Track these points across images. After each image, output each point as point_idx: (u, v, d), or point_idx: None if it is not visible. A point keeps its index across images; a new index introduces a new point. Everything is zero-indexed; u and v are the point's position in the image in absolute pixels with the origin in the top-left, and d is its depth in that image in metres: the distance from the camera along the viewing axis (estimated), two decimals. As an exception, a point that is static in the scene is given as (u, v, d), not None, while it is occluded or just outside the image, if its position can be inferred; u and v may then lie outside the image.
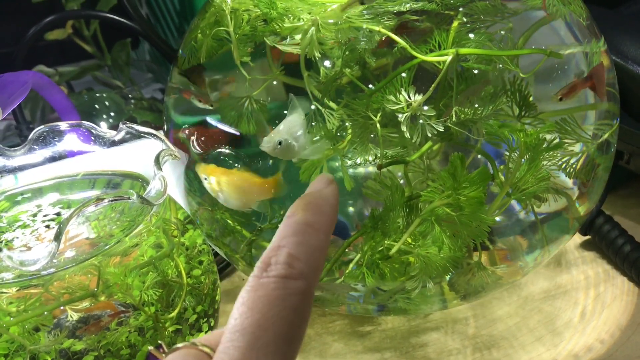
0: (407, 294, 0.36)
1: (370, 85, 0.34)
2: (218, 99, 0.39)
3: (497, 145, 0.35)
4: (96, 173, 0.39)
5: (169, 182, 0.31)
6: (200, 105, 0.38)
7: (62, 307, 0.30)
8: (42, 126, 0.37)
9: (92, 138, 0.38)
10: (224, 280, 0.45)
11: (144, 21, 0.48)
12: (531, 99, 0.34)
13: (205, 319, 0.34)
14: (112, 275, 0.30)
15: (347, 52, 0.34)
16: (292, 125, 0.35)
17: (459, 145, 0.35)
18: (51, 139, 0.38)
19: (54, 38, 0.56)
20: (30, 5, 0.56)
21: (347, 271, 0.36)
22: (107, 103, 0.54)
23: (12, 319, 0.30)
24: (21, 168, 0.37)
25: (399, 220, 0.35)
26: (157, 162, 0.31)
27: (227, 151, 0.37)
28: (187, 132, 0.38)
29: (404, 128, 0.32)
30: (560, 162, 0.34)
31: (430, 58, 0.32)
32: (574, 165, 0.34)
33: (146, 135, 0.35)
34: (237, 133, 0.37)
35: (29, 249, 0.32)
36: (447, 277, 0.37)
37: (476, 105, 0.33)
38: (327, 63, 0.34)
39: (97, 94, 0.55)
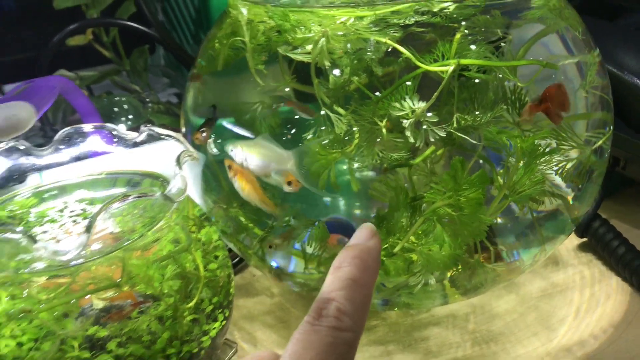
0: (410, 289, 0.38)
1: (377, 93, 0.36)
2: (233, 104, 0.41)
3: (497, 151, 0.37)
4: (117, 172, 0.41)
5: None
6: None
7: (87, 297, 0.33)
8: (68, 128, 0.40)
9: (114, 139, 0.40)
10: (237, 275, 0.48)
11: (162, 28, 0.50)
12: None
13: (220, 310, 0.36)
14: (134, 267, 0.33)
15: (355, 61, 0.36)
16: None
17: (462, 150, 0.37)
18: (76, 140, 0.40)
19: (75, 44, 0.58)
20: (53, 12, 0.59)
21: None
22: (125, 106, 0.56)
23: (42, 306, 0.32)
24: (47, 167, 0.39)
25: (403, 220, 0.37)
26: (178, 162, 0.33)
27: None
28: (204, 134, 0.41)
29: (408, 133, 0.34)
30: (555, 167, 0.36)
31: (433, 68, 0.34)
32: (568, 170, 0.36)
33: (166, 137, 0.37)
34: (252, 135, 0.39)
35: (58, 241, 0.34)
36: (448, 275, 0.39)
37: (477, 113, 0.35)
38: (336, 71, 0.36)
39: (116, 98, 0.58)
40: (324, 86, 0.37)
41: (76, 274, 0.32)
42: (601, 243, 0.45)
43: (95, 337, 0.32)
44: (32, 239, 0.29)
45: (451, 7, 0.36)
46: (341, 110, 0.36)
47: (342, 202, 0.40)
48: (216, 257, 0.37)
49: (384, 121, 0.35)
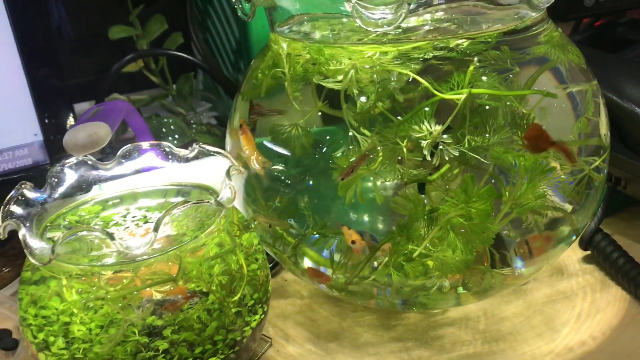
0: (427, 291, 0.43)
1: (399, 117, 0.41)
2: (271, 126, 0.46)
3: (505, 169, 0.42)
4: (169, 184, 0.46)
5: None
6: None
7: (147, 289, 0.38)
8: (129, 145, 0.45)
9: (168, 156, 0.46)
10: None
11: (210, 57, 0.56)
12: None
13: (260, 305, 0.41)
14: (189, 264, 0.38)
15: (379, 89, 0.42)
16: None
17: (475, 169, 0.42)
18: (134, 155, 0.46)
19: (127, 70, 0.65)
20: (108, 42, 0.65)
21: (377, 271, 0.43)
22: (172, 127, 0.63)
23: (109, 296, 0.38)
24: (110, 178, 0.45)
25: (421, 229, 0.42)
26: (228, 174, 0.39)
27: (279, 167, 0.44)
28: (247, 152, 0.46)
29: (425, 152, 0.39)
30: (556, 183, 0.41)
31: (448, 96, 0.40)
32: (567, 187, 0.41)
33: (215, 154, 0.43)
34: (288, 153, 0.44)
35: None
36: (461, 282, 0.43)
37: (487, 135, 0.40)
38: (362, 98, 0.42)
39: (164, 119, 0.64)
40: (352, 111, 0.42)
41: (138, 269, 0.38)
42: (603, 255, 0.50)
43: (152, 326, 0.37)
44: (110, 236, 0.34)
45: (465, 43, 0.42)
46: (367, 132, 0.41)
47: (365, 215, 0.45)
48: (256, 259, 0.43)
49: (405, 142, 0.40)
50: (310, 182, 0.45)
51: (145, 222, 0.42)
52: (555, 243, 0.43)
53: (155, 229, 0.34)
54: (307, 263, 0.46)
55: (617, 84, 0.53)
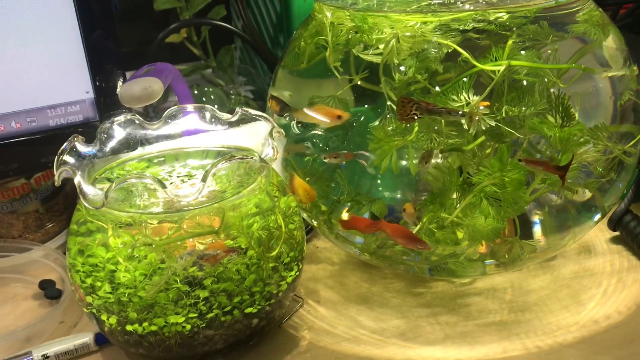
0: (457, 258, 0.44)
1: (437, 88, 0.42)
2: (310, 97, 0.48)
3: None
4: (210, 147, 0.48)
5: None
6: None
7: (190, 240, 0.40)
8: (174, 106, 0.47)
9: (212, 119, 0.47)
10: (303, 246, 0.54)
11: (253, 29, 0.58)
12: (572, 110, 0.42)
13: (295, 262, 0.43)
14: (230, 218, 0.40)
15: (419, 61, 0.43)
16: None
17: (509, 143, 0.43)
18: (179, 117, 0.48)
19: (170, 41, 0.67)
20: (152, 13, 0.67)
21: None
22: (212, 97, 0.64)
23: (153, 246, 0.39)
24: (157, 138, 0.47)
25: (454, 197, 0.43)
26: (270, 135, 0.40)
27: (318, 133, 0.46)
28: (287, 118, 0.48)
29: (463, 122, 0.41)
30: (589, 160, 0.42)
31: (487, 67, 0.41)
32: (599, 163, 0.42)
33: (258, 118, 0.44)
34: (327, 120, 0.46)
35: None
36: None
37: (523, 108, 0.41)
38: (402, 68, 0.43)
39: (205, 89, 0.66)
40: (390, 83, 0.43)
41: (182, 220, 0.39)
42: (632, 236, 0.50)
43: (193, 276, 0.39)
44: (162, 183, 0.36)
45: (504, 16, 0.43)
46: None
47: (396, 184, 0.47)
48: (294, 221, 0.44)
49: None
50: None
51: (190, 179, 0.44)
52: (585, 218, 0.44)
53: (204, 179, 0.36)
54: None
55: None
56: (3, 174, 0.50)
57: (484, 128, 0.40)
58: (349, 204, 0.47)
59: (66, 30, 0.46)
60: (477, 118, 0.41)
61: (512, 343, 0.42)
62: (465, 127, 0.41)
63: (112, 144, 0.45)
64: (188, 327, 0.39)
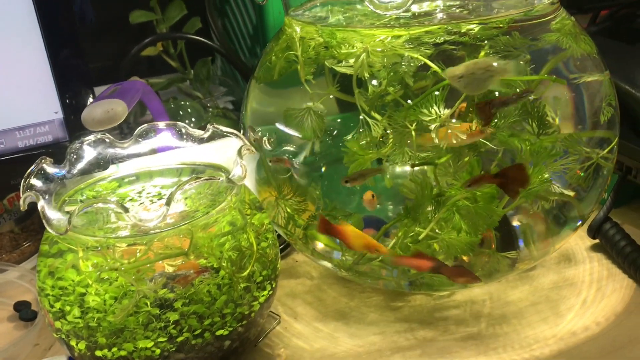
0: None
1: (409, 101, 0.42)
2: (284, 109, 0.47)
3: (511, 154, 0.42)
4: (184, 164, 0.48)
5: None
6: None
7: (160, 262, 0.39)
8: (145, 125, 0.47)
9: (183, 136, 0.47)
10: (281, 260, 0.54)
11: (226, 42, 0.57)
12: (548, 118, 0.42)
13: (268, 281, 0.42)
14: (200, 239, 0.39)
15: (391, 73, 0.42)
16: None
17: (484, 155, 0.43)
18: (151, 135, 0.47)
19: (147, 54, 0.66)
20: (128, 26, 0.67)
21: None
22: (189, 110, 0.64)
23: (122, 268, 0.39)
24: (127, 157, 0.46)
25: (428, 212, 0.43)
26: (239, 154, 0.40)
27: (291, 149, 0.45)
28: (259, 134, 0.47)
29: (433, 135, 0.40)
30: (563, 169, 0.42)
31: (457, 81, 0.40)
32: (573, 173, 0.42)
33: (229, 135, 0.44)
34: (299, 136, 0.45)
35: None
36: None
37: (495, 120, 0.41)
38: (374, 82, 0.42)
39: (181, 103, 0.65)
40: (364, 95, 0.43)
41: (151, 242, 0.39)
42: (610, 243, 0.50)
43: (164, 298, 0.39)
44: (125, 208, 0.35)
45: (476, 28, 0.42)
46: (377, 116, 0.42)
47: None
48: (267, 238, 0.44)
49: (414, 125, 0.41)
50: (322, 167, 0.46)
51: (160, 199, 0.44)
52: (562, 227, 0.44)
53: (167, 203, 0.36)
54: (319, 245, 0.47)
55: (631, 74, 0.53)
56: (-27, 196, 0.50)
57: (455, 141, 0.40)
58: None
59: (31, 51, 0.45)
60: (449, 132, 0.40)
61: (489, 358, 0.42)
62: (436, 141, 0.40)
63: (82, 164, 0.45)
64: (158, 351, 0.38)
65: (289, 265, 0.54)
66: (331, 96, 0.45)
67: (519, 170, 0.40)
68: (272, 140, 0.46)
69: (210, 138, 0.46)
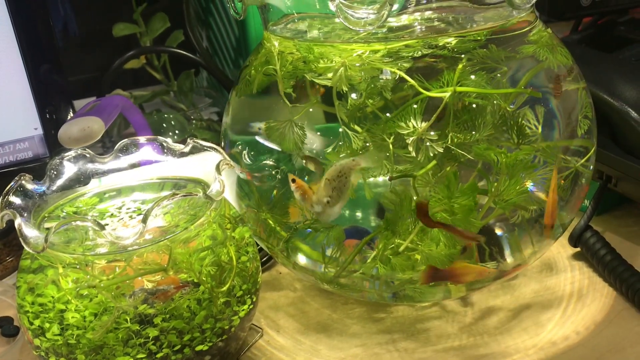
0: (414, 284, 0.44)
1: (388, 114, 0.42)
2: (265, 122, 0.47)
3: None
4: (165, 178, 0.48)
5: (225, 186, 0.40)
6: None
7: (139, 279, 0.39)
8: (126, 139, 0.47)
9: (164, 150, 0.47)
10: (264, 273, 0.54)
11: (207, 55, 0.58)
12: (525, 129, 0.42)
13: (248, 295, 0.42)
14: (179, 255, 0.39)
15: (370, 87, 0.43)
16: None
17: (465, 166, 0.43)
18: (132, 150, 0.47)
19: (130, 67, 0.66)
20: (112, 39, 0.67)
21: (365, 263, 0.44)
22: (173, 122, 0.64)
23: (102, 284, 0.39)
24: (108, 172, 0.47)
25: (408, 224, 0.43)
26: (217, 169, 0.40)
27: (271, 163, 0.46)
28: (239, 147, 0.47)
29: (410, 148, 0.40)
30: (540, 179, 0.42)
31: (433, 94, 0.41)
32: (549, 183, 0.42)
33: (208, 149, 0.44)
34: (280, 149, 0.45)
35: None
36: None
37: (473, 132, 0.41)
38: (354, 95, 0.42)
39: (165, 115, 0.65)
40: (344, 107, 0.43)
41: (130, 259, 0.39)
42: (591, 252, 0.50)
43: (144, 314, 0.39)
44: (101, 226, 0.35)
45: (453, 41, 0.42)
46: (358, 128, 0.42)
47: (357, 210, 0.46)
48: (247, 252, 0.44)
49: (391, 138, 0.41)
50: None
51: (139, 214, 0.44)
52: (540, 237, 0.44)
53: (144, 220, 0.36)
54: (301, 259, 0.47)
55: (610, 83, 0.53)
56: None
57: (432, 154, 0.40)
58: (308, 230, 0.47)
59: (9, 66, 0.45)
60: (427, 144, 0.41)
61: (470, 369, 0.42)
62: (413, 154, 0.40)
63: (62, 180, 0.45)
64: (137, 367, 0.38)
65: (273, 277, 0.54)
66: (311, 109, 0.45)
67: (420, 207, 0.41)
68: (252, 153, 0.47)
69: (191, 152, 0.46)
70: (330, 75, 0.43)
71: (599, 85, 0.53)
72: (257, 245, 0.47)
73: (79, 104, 0.51)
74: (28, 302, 0.40)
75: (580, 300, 0.48)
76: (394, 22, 0.46)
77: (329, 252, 0.46)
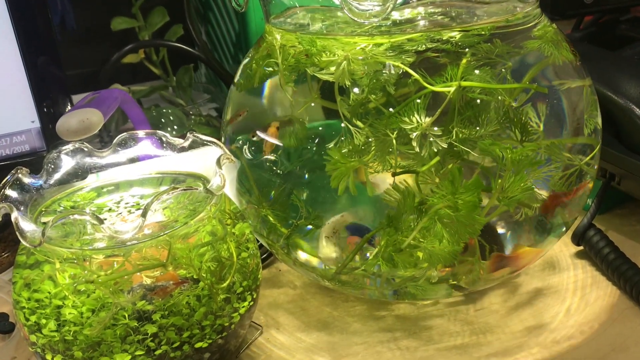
0: (416, 282, 0.43)
1: (391, 109, 0.41)
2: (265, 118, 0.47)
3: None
4: (164, 173, 0.47)
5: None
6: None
7: (138, 274, 0.39)
8: (124, 133, 0.46)
9: (163, 145, 0.46)
10: (264, 270, 0.53)
11: (207, 50, 0.57)
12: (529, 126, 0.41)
13: (249, 292, 0.42)
14: (179, 250, 0.39)
15: (373, 81, 0.42)
16: None
17: (468, 163, 0.43)
18: (130, 144, 0.47)
19: (129, 61, 0.65)
20: (111, 33, 0.66)
21: (368, 261, 0.44)
22: (171, 118, 0.63)
23: (99, 280, 0.38)
24: (106, 166, 0.46)
25: (410, 221, 0.42)
26: (218, 163, 0.39)
27: (272, 158, 0.45)
28: (240, 143, 0.47)
29: (414, 144, 0.40)
30: (545, 177, 0.41)
31: (437, 88, 0.40)
32: (556, 180, 0.41)
33: (209, 143, 0.43)
34: (281, 144, 0.45)
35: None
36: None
37: (477, 128, 0.41)
38: (356, 90, 0.42)
39: (163, 110, 0.65)
40: (346, 102, 0.42)
41: (129, 253, 0.38)
42: (594, 250, 0.50)
43: (143, 310, 0.38)
44: (100, 220, 0.35)
45: (457, 35, 0.42)
46: (360, 124, 0.42)
47: (358, 206, 0.46)
48: (247, 248, 0.43)
49: (395, 133, 0.40)
50: (306, 175, 0.46)
51: (138, 209, 0.43)
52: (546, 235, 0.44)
53: (143, 215, 0.35)
54: (302, 256, 0.47)
55: (613, 80, 0.53)
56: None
57: (435, 150, 0.40)
58: (308, 226, 0.46)
59: (6, 59, 0.44)
60: (431, 139, 0.40)
61: (473, 368, 0.42)
62: (417, 149, 0.40)
63: (59, 174, 0.44)
64: (135, 365, 0.38)
65: (272, 274, 0.53)
66: (312, 104, 0.45)
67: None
68: (252, 148, 0.46)
69: (191, 147, 0.45)
70: (332, 69, 0.42)
71: (603, 83, 0.53)
72: (257, 241, 0.46)
73: (77, 98, 0.51)
74: (24, 298, 0.39)
75: (584, 299, 0.47)
76: (397, 15, 0.45)
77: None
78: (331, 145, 0.43)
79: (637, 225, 0.56)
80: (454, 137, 0.39)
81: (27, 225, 0.36)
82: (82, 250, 0.37)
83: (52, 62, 0.46)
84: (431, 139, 0.40)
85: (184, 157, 0.46)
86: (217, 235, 0.41)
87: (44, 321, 0.38)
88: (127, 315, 0.38)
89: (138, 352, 0.37)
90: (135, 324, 0.38)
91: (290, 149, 0.45)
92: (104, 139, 0.57)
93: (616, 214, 0.57)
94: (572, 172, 0.44)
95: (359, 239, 0.45)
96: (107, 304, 0.38)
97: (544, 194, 0.42)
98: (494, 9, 0.47)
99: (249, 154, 0.46)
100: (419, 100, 0.41)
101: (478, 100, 0.41)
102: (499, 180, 0.41)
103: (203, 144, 0.44)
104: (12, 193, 0.40)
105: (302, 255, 0.47)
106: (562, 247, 0.53)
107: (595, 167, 0.45)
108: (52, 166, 0.44)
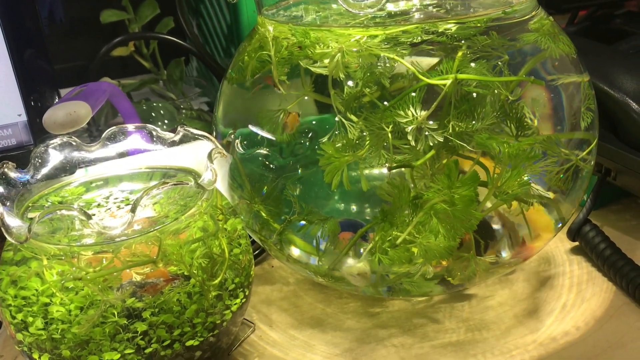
0: (411, 278, 0.43)
1: (386, 102, 0.41)
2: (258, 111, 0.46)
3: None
4: (155, 167, 0.46)
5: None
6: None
7: (127, 271, 0.38)
8: (114, 127, 0.45)
9: (153, 139, 0.45)
10: (257, 266, 0.53)
11: (198, 42, 0.56)
12: (525, 120, 0.41)
13: (241, 289, 0.41)
14: (169, 246, 0.38)
15: (367, 74, 0.41)
16: None
17: (462, 157, 0.42)
18: (120, 138, 0.46)
19: (118, 54, 0.64)
20: (100, 26, 0.65)
21: (361, 257, 0.43)
22: (162, 112, 0.62)
23: (88, 276, 0.37)
24: (95, 161, 0.45)
25: (405, 216, 0.42)
26: (210, 157, 0.39)
27: (264, 152, 0.44)
28: (232, 137, 0.46)
29: (410, 137, 0.39)
30: (542, 171, 0.41)
31: (433, 81, 0.39)
32: (553, 175, 0.41)
33: (200, 137, 0.42)
34: (274, 138, 0.44)
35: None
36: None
37: (473, 122, 0.40)
38: (350, 83, 0.41)
39: (154, 104, 0.64)
40: (340, 96, 0.42)
41: (118, 250, 0.37)
42: (590, 246, 0.49)
43: (132, 307, 0.37)
44: (88, 215, 0.34)
45: (453, 28, 0.41)
46: (354, 118, 0.41)
47: (351, 201, 0.45)
48: (239, 244, 0.42)
49: (390, 127, 0.40)
50: (299, 170, 0.45)
51: (127, 204, 0.42)
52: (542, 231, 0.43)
53: (133, 210, 0.34)
54: (295, 252, 0.46)
55: (610, 74, 0.52)
56: None
57: (431, 144, 0.39)
58: (302, 222, 0.45)
59: (-8, 52, 0.43)
60: (426, 133, 0.40)
61: (468, 365, 0.41)
62: (413, 143, 0.39)
63: (47, 168, 0.43)
64: (125, 363, 0.37)
65: (265, 270, 0.53)
66: (306, 97, 0.44)
67: None
68: (245, 142, 0.45)
69: (181, 141, 0.44)
70: (326, 62, 0.41)
71: (598, 77, 0.52)
72: (250, 237, 0.46)
73: (65, 92, 0.50)
74: (10, 295, 0.38)
75: (580, 295, 0.47)
76: (392, 7, 0.45)
77: (323, 245, 0.44)
78: (325, 139, 0.42)
79: (632, 220, 0.55)
80: (449, 130, 0.38)
81: (13, 221, 0.35)
82: (70, 246, 0.36)
83: (40, 55, 0.45)
84: (427, 133, 0.40)
85: (174, 151, 0.45)
86: (208, 231, 0.40)
87: (30, 319, 0.37)
88: (116, 313, 0.37)
89: (128, 351, 0.37)
90: (125, 322, 0.37)
91: (283, 144, 0.44)
92: (92, 132, 0.56)
93: (612, 209, 0.57)
94: (568, 167, 0.43)
95: (352, 235, 0.44)
96: (95, 301, 0.37)
97: (540, 189, 0.41)
98: (490, 0, 0.46)
99: (241, 149, 0.45)
100: (414, 94, 0.40)
101: (474, 94, 0.41)
102: (495, 175, 0.40)
103: (194, 138, 0.43)
104: (-2, 188, 0.39)
105: (295, 251, 0.46)
106: (557, 243, 0.53)
107: (592, 162, 0.44)
108: (40, 160, 0.43)
